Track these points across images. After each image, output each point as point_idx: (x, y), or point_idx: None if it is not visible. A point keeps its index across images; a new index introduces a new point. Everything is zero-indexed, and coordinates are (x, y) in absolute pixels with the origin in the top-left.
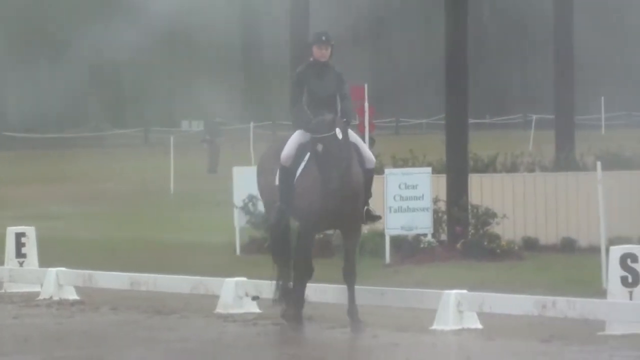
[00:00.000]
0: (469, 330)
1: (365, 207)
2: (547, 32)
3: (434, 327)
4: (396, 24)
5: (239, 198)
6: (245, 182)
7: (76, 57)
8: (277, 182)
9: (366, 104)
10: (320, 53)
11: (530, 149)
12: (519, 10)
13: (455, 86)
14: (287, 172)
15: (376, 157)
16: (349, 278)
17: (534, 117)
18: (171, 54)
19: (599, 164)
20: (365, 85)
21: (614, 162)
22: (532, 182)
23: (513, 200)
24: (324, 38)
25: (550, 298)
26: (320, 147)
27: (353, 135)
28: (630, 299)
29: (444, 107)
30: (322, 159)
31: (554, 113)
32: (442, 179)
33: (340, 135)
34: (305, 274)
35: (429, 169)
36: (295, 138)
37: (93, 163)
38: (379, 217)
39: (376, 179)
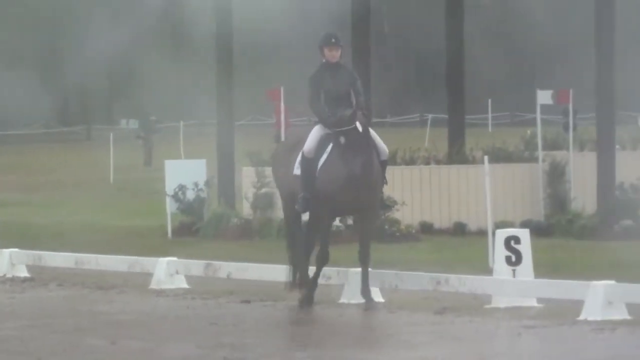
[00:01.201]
0: (353, 304)
1: (380, 196)
2: (437, 42)
3: (342, 300)
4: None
5: (170, 187)
6: (176, 173)
7: (29, 57)
8: (296, 173)
9: (282, 104)
10: (331, 54)
11: (426, 145)
12: (412, 20)
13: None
14: (310, 163)
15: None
16: (364, 261)
17: (430, 116)
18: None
19: (486, 157)
20: (282, 88)
21: (499, 156)
22: (428, 174)
23: (411, 190)
24: (333, 40)
25: (443, 275)
26: (342, 139)
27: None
28: (514, 276)
29: None
30: (345, 149)
31: (447, 113)
32: None
33: (360, 128)
34: (322, 258)
35: None
36: (316, 132)
37: (42, 157)
38: (390, 207)
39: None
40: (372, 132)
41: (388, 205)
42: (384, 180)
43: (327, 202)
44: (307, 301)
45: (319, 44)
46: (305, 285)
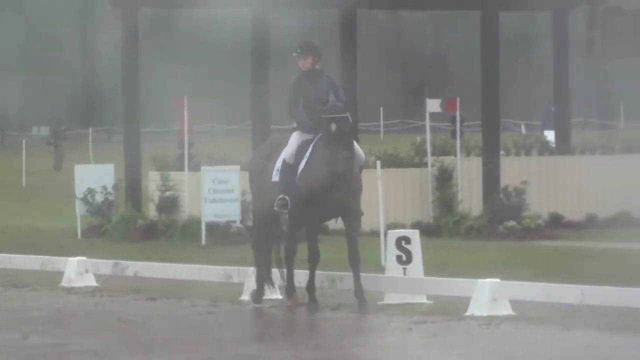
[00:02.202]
0: (271, 300)
1: None
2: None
3: (243, 297)
4: None
5: (79, 191)
6: (85, 177)
7: None
8: (275, 179)
9: (185, 112)
10: (302, 63)
11: None
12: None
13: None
14: (290, 169)
15: (193, 157)
16: (354, 262)
17: None
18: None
19: (378, 163)
20: (185, 97)
21: (390, 161)
22: None
23: None
24: (298, 50)
25: (338, 273)
26: (333, 126)
27: None
28: (404, 274)
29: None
30: (333, 139)
31: None
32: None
33: (350, 119)
34: (313, 260)
35: (238, 167)
36: (295, 138)
37: None
38: (362, 213)
39: (194, 176)
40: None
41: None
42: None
43: (310, 206)
44: (293, 303)
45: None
46: (292, 293)
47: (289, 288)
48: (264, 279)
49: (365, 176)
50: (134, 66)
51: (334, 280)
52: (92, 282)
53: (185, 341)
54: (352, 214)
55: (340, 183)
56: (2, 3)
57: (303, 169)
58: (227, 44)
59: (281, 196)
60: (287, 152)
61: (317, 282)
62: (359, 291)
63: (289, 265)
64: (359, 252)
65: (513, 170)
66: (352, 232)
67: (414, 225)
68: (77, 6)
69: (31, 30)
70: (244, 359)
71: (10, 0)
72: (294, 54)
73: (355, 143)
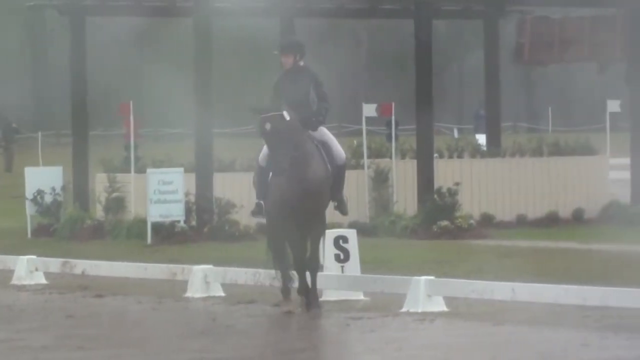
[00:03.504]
0: (214, 297)
1: (339, 199)
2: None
3: (187, 294)
4: None
5: (30, 192)
6: (35, 179)
7: None
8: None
9: (131, 117)
10: (283, 62)
11: None
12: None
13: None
14: (263, 171)
15: (139, 159)
16: (313, 267)
17: None
18: None
19: None
20: (131, 102)
21: None
22: None
23: (249, 193)
24: (279, 49)
25: (278, 272)
26: (268, 125)
27: (325, 133)
28: (342, 272)
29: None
30: (270, 138)
31: None
32: (193, 176)
33: (287, 117)
34: (297, 265)
35: (182, 169)
36: None
37: None
38: (346, 212)
39: (140, 177)
40: (329, 136)
41: (345, 208)
42: (340, 184)
43: (279, 209)
44: (286, 305)
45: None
46: (286, 295)
47: (283, 290)
48: (285, 279)
49: None
50: (81, 72)
51: (274, 277)
52: (41, 279)
53: (132, 337)
54: (314, 222)
55: (298, 192)
56: None
57: (271, 174)
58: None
59: (256, 201)
60: (261, 154)
61: (258, 280)
62: (313, 296)
63: (281, 266)
64: (318, 258)
65: (446, 172)
66: (314, 240)
67: (351, 225)
68: (26, 14)
69: None
70: (187, 354)
71: None
72: (275, 52)
73: (333, 141)
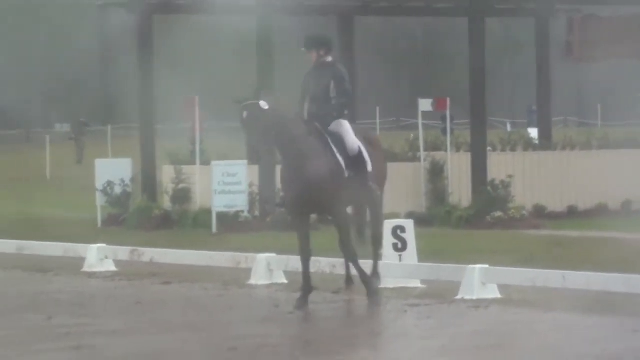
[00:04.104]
0: (277, 284)
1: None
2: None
3: (251, 282)
4: None
5: (100, 183)
6: (104, 170)
7: None
8: None
9: (197, 111)
10: (309, 57)
11: None
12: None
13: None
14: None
15: (204, 152)
16: (342, 251)
17: None
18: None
19: None
20: (197, 97)
21: (386, 156)
22: None
23: None
24: (303, 48)
25: (338, 260)
26: (245, 113)
27: (341, 125)
28: (400, 260)
29: None
30: (246, 126)
31: None
32: (256, 168)
33: (266, 107)
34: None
35: (245, 162)
36: None
37: None
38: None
39: (205, 169)
40: (345, 128)
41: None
42: (363, 171)
43: (285, 202)
44: (301, 303)
45: None
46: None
47: (304, 284)
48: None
49: None
50: (148, 69)
51: (335, 265)
52: (111, 267)
53: (197, 322)
54: (328, 212)
55: (295, 186)
56: (20, 9)
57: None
58: (229, 46)
59: (282, 194)
60: None
61: (319, 267)
62: (364, 280)
63: (302, 257)
64: (345, 243)
65: (499, 165)
66: (338, 226)
67: (408, 215)
68: (92, 13)
69: (52, 34)
70: (251, 339)
71: (28, 5)
72: (302, 49)
73: (347, 135)
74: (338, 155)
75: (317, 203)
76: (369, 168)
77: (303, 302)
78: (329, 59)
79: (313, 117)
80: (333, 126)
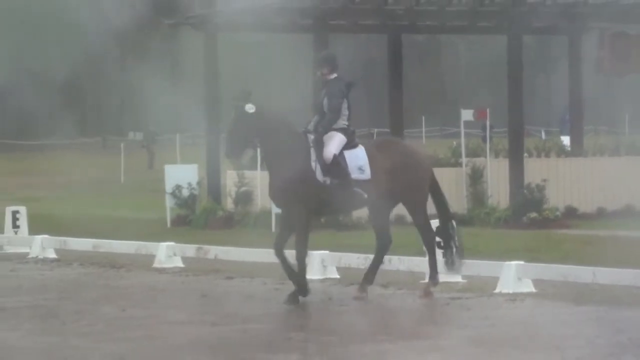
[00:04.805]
0: (330, 279)
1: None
2: (382, 71)
3: (307, 277)
4: None
5: (169, 186)
6: (173, 175)
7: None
8: None
9: None
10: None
11: None
12: (363, 54)
13: None
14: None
15: None
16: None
17: (375, 130)
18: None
19: None
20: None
21: (431, 162)
22: None
23: None
24: (316, 64)
25: (387, 256)
26: (232, 113)
27: (330, 136)
28: (443, 257)
29: None
30: (230, 124)
31: (390, 127)
32: None
33: (250, 110)
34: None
35: None
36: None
37: (65, 161)
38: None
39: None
40: (331, 137)
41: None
42: (343, 180)
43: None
44: (294, 298)
45: None
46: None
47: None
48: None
49: None
50: (214, 82)
51: (384, 261)
52: (179, 263)
53: (257, 314)
54: (288, 209)
55: (270, 181)
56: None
57: None
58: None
59: None
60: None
61: (368, 263)
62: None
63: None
64: (298, 243)
65: (535, 170)
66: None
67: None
68: (166, 30)
69: (126, 48)
70: (306, 331)
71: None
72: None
73: (329, 144)
74: (313, 162)
75: (283, 204)
76: (355, 175)
77: (294, 298)
78: (332, 76)
79: (314, 129)
80: (325, 137)
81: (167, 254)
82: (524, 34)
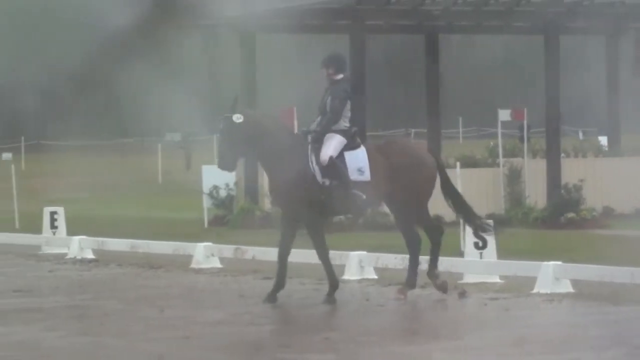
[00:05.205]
0: (368, 279)
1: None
2: (420, 74)
3: (344, 277)
4: None
5: (206, 186)
6: (210, 176)
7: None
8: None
9: (295, 123)
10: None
11: None
12: (401, 55)
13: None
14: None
15: None
16: (316, 253)
17: (413, 130)
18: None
19: (458, 163)
20: (294, 108)
21: (468, 163)
22: None
23: None
24: (322, 64)
25: (424, 257)
26: (221, 124)
27: (328, 137)
28: (480, 258)
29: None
30: (220, 136)
31: (427, 128)
32: None
33: (237, 120)
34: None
35: None
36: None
37: (103, 162)
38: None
39: None
40: (329, 139)
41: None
42: (339, 178)
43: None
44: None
45: None
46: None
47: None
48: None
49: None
50: (251, 82)
51: (421, 262)
52: (217, 264)
53: (294, 314)
54: (294, 213)
55: (269, 183)
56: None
57: None
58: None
59: None
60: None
61: (405, 264)
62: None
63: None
64: (316, 245)
65: (572, 170)
66: (306, 229)
67: (488, 216)
68: (202, 31)
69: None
70: (344, 330)
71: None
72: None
73: (328, 146)
74: (312, 165)
75: (286, 206)
76: (354, 177)
77: (273, 297)
78: (337, 77)
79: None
80: (325, 138)
81: (204, 254)
82: (560, 34)
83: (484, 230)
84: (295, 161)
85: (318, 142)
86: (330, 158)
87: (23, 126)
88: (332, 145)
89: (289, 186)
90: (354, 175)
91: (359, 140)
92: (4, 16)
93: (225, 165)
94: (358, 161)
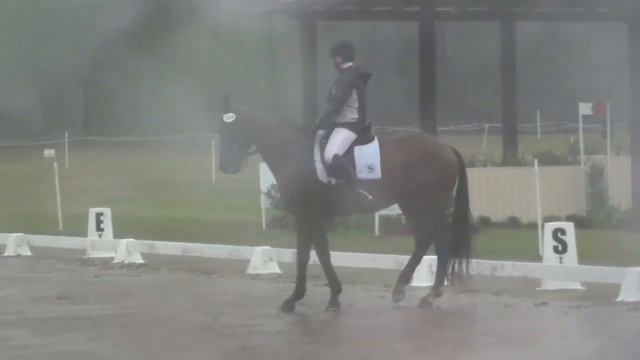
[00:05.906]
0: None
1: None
2: (494, 65)
3: (413, 284)
4: None
5: (264, 186)
6: (269, 174)
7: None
8: None
9: None
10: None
11: (484, 150)
12: (479, 42)
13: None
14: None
15: None
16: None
17: (487, 125)
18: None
19: (535, 161)
20: None
21: (547, 160)
22: (485, 174)
23: (471, 188)
24: (329, 54)
25: (499, 262)
26: (217, 125)
27: (334, 132)
28: (560, 262)
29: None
30: (218, 136)
31: (502, 122)
32: None
33: (228, 120)
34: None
35: None
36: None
37: (154, 160)
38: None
39: None
40: (335, 134)
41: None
42: (344, 175)
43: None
44: (334, 304)
45: None
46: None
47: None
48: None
49: (523, 173)
50: (312, 73)
51: (496, 267)
52: (275, 269)
53: (360, 324)
54: (293, 211)
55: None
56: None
57: None
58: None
59: None
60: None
61: (480, 270)
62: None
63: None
64: (298, 246)
65: None
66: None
67: (569, 218)
68: (259, 19)
69: (220, 42)
70: (411, 339)
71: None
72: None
73: (332, 143)
74: (316, 162)
75: (287, 206)
76: (363, 175)
77: (291, 305)
78: (345, 65)
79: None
80: (332, 133)
81: (262, 259)
82: None
83: (460, 277)
84: (297, 158)
85: (326, 138)
86: (335, 156)
87: (68, 120)
88: (338, 141)
89: (291, 185)
90: (362, 173)
91: (372, 133)
92: (53, 10)
93: (225, 166)
94: (368, 157)
